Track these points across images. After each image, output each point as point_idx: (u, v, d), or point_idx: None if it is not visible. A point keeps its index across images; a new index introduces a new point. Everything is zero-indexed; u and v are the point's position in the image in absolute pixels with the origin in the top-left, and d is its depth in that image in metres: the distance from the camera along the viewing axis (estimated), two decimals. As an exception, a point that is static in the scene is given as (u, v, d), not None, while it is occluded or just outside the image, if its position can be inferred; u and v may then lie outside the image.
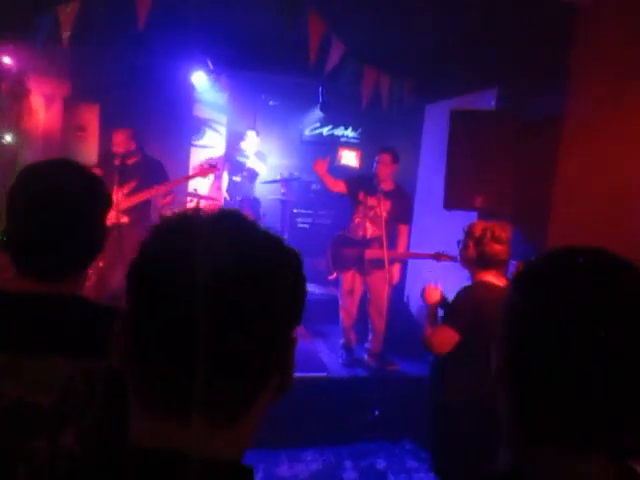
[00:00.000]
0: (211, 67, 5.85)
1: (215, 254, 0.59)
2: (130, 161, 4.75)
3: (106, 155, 4.93)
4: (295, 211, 6.82)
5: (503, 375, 0.71)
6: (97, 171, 4.66)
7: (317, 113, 6.89)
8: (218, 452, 0.60)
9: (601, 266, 0.68)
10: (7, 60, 5.11)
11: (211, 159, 5.47)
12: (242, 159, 6.78)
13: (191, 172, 6.12)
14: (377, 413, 3.92)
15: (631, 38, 3.35)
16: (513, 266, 3.88)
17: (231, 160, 6.85)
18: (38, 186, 1.17)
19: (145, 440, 0.59)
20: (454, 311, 2.52)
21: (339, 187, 4.59)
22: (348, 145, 7.26)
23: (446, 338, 2.46)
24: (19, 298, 1.12)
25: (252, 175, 6.72)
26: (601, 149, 3.47)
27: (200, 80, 6.23)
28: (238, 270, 0.59)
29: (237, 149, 6.84)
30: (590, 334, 0.63)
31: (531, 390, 0.67)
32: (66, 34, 3.27)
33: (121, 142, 4.73)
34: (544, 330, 0.65)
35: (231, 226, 0.64)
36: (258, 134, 6.79)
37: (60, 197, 1.16)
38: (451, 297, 2.69)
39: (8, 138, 5.20)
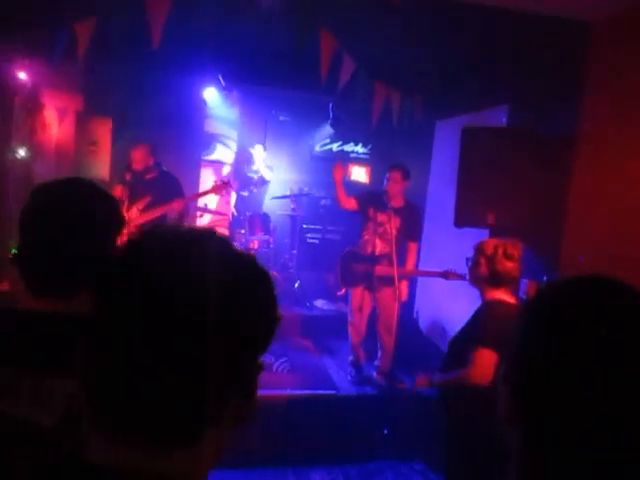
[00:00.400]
0: (223, 83, 5.91)
1: (186, 271, 0.60)
2: (147, 176, 4.79)
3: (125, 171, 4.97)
4: (305, 226, 6.82)
5: (514, 409, 0.69)
6: (119, 187, 4.73)
7: (327, 129, 6.93)
8: (175, 473, 0.59)
9: (618, 302, 0.67)
10: (22, 75, 5.18)
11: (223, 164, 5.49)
12: (250, 174, 6.81)
13: (203, 188, 6.16)
14: (386, 432, 3.87)
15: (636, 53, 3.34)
16: (524, 284, 3.85)
17: (239, 175, 6.88)
18: (50, 205, 1.17)
19: (102, 457, 0.58)
20: (483, 331, 2.45)
21: (350, 204, 4.60)
22: (358, 161, 7.28)
23: (489, 361, 2.34)
24: (25, 315, 1.12)
25: (262, 182, 6.73)
26: (615, 166, 3.45)
27: (211, 96, 6.29)
28: (208, 285, 0.60)
29: (246, 163, 6.86)
30: (610, 371, 0.62)
31: (546, 427, 0.65)
32: (82, 50, 3.32)
33: (140, 159, 4.78)
34: (563, 369, 0.64)
35: (206, 248, 0.64)
36: (265, 148, 6.83)
37: (71, 216, 1.17)
38: (461, 319, 2.67)
39: (22, 152, 5.25)
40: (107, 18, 3.47)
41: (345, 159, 7.17)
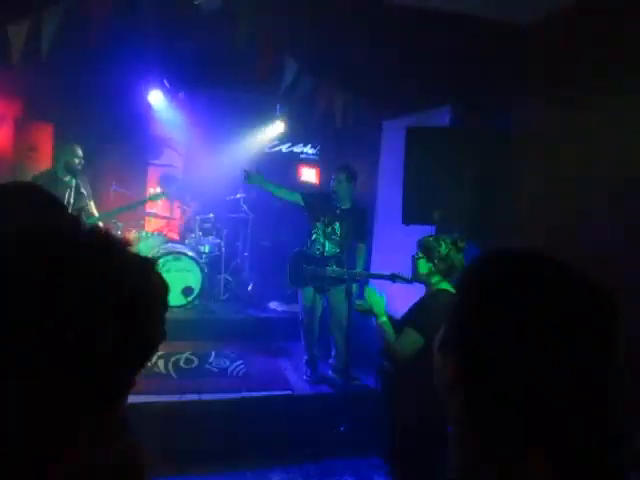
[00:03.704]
0: (167, 86, 5.82)
1: None
2: None
3: None
4: (256, 229, 6.79)
5: (456, 378, 0.71)
6: None
7: (276, 130, 6.93)
8: None
9: (543, 272, 0.70)
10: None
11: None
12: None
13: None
14: (343, 429, 3.91)
15: (578, 55, 3.51)
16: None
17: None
18: None
19: None
20: (419, 316, 2.59)
21: (293, 196, 4.62)
22: (307, 162, 7.31)
23: (412, 341, 2.51)
24: None
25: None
26: (553, 164, 3.60)
27: (157, 99, 6.19)
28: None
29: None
30: (536, 337, 0.64)
31: (484, 391, 0.68)
32: (16, 53, 3.20)
33: None
34: (496, 334, 0.66)
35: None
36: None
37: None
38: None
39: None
40: (43, 20, 3.36)
41: (294, 160, 7.20)
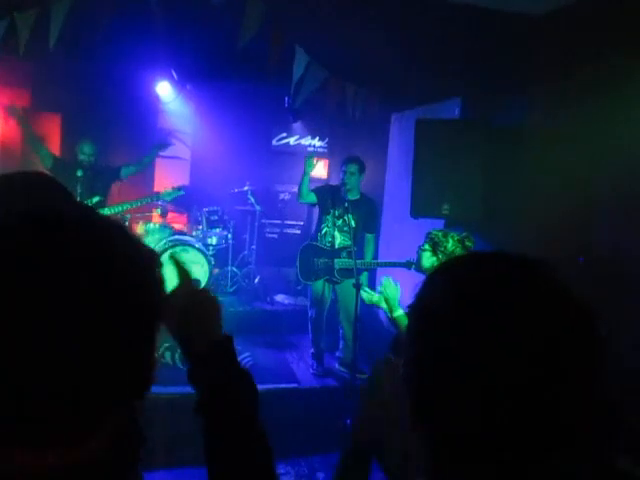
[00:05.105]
0: (175, 77, 5.79)
1: None
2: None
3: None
4: (263, 221, 6.77)
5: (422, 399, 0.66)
6: None
7: (284, 122, 6.89)
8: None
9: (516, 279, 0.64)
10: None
11: None
12: None
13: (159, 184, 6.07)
14: (349, 422, 3.89)
15: (594, 48, 3.45)
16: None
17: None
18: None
19: None
20: None
21: (310, 198, 4.61)
22: (316, 155, 7.26)
23: None
24: None
25: None
26: (567, 158, 3.55)
27: (165, 90, 6.16)
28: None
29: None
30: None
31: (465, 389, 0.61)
32: (22, 43, 3.18)
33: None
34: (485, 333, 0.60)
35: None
36: None
37: None
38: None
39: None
40: (50, 9, 3.34)
41: (303, 153, 7.16)
